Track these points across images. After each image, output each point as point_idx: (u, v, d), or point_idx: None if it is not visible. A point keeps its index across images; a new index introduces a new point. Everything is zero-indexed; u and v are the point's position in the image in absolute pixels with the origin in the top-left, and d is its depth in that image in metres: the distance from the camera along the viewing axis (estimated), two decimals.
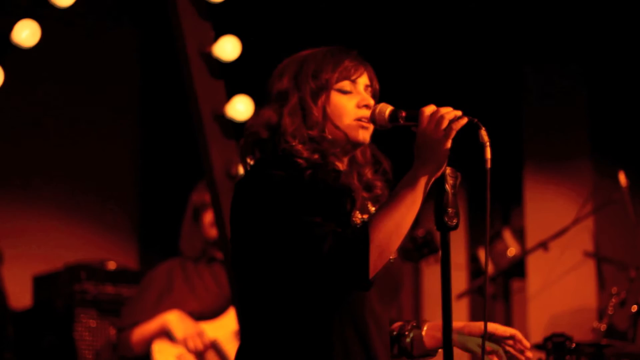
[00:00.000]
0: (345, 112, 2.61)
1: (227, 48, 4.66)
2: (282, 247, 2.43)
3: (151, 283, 4.97)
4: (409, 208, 2.39)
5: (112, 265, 5.94)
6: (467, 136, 2.39)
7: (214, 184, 4.45)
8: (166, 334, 4.83)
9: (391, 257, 2.55)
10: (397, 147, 2.72)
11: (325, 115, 2.61)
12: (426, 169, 2.40)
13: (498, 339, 2.69)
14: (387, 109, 2.54)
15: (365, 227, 2.38)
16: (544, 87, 6.63)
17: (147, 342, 4.84)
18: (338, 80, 2.63)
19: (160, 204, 6.91)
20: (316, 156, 2.55)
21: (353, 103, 2.62)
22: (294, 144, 2.56)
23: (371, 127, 2.62)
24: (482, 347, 2.48)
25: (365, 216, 2.61)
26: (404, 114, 2.51)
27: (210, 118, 4.49)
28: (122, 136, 7.11)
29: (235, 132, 4.52)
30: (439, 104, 2.44)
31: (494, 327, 2.69)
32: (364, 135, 2.62)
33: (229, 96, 4.61)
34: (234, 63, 4.70)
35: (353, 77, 2.64)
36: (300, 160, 2.54)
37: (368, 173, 2.70)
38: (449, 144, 2.38)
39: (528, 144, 6.68)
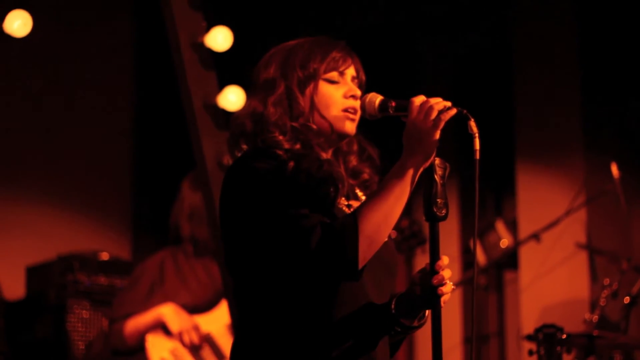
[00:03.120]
0: (332, 101, 2.62)
1: (219, 39, 4.67)
2: (271, 241, 2.43)
3: (143, 274, 4.92)
4: (397, 198, 2.40)
5: (105, 256, 5.94)
6: (461, 127, 2.40)
7: (206, 175, 4.44)
8: (161, 326, 4.81)
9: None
10: (387, 137, 2.72)
11: (312, 105, 2.61)
12: (415, 159, 2.40)
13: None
14: (377, 98, 2.55)
15: (354, 218, 2.37)
16: (538, 78, 6.62)
17: (141, 335, 4.80)
18: (326, 71, 2.63)
19: (154, 195, 6.90)
20: (298, 146, 2.54)
21: (340, 93, 2.63)
22: (275, 134, 2.55)
23: (357, 118, 2.63)
24: (472, 346, 2.48)
25: (352, 202, 2.61)
26: (393, 103, 2.52)
27: (202, 109, 4.48)
28: (116, 127, 7.10)
29: (227, 122, 4.51)
30: (429, 95, 2.44)
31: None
32: (351, 126, 2.63)
33: (220, 87, 4.61)
34: (226, 53, 4.70)
35: (341, 69, 2.65)
36: (280, 152, 2.52)
37: (353, 160, 2.71)
38: (437, 135, 2.39)
39: (521, 135, 6.68)
